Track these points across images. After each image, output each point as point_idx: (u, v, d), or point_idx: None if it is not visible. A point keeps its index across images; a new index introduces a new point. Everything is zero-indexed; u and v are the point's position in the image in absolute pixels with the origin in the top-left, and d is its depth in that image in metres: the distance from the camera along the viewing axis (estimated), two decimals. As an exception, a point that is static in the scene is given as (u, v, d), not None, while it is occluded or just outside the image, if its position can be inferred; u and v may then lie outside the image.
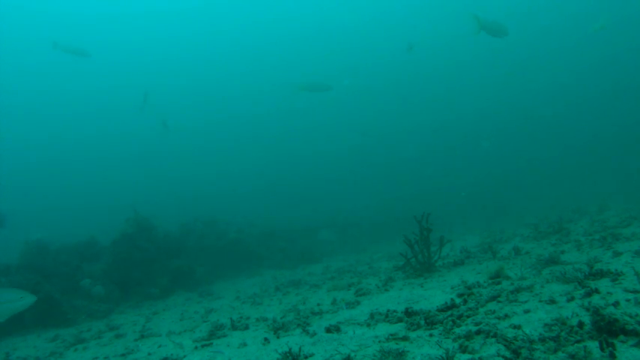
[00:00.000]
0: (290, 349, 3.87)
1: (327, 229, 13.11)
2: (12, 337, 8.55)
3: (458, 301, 4.61)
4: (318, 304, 6.28)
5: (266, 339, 4.76)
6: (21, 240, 11.54)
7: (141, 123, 42.30)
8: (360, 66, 40.92)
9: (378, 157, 38.57)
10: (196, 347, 5.11)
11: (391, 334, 3.99)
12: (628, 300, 3.53)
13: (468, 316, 4.05)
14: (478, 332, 3.50)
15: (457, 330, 3.73)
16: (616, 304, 3.46)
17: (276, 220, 20.73)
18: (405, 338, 3.81)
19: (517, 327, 3.46)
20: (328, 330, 4.52)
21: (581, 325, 3.14)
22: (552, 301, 3.97)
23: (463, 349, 3.25)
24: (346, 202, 27.20)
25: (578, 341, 2.95)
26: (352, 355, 3.63)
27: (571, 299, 3.92)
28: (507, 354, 2.96)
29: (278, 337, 4.81)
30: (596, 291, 3.91)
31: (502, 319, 3.79)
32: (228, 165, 42.54)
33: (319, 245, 14.69)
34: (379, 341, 3.88)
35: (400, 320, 4.44)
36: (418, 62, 41.10)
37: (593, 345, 2.81)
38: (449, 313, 4.24)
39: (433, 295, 5.39)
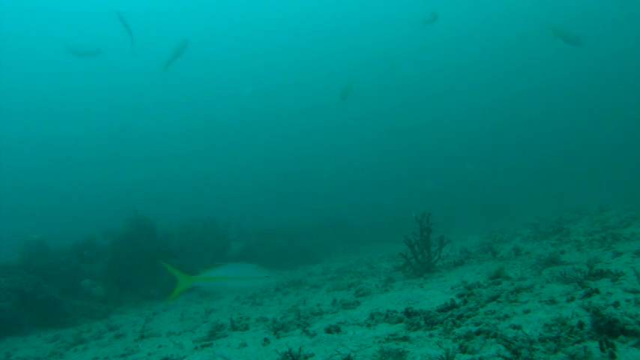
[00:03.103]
0: (290, 350, 3.87)
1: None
2: (12, 337, 8.55)
3: (458, 301, 4.61)
4: (318, 305, 6.28)
5: (266, 339, 4.76)
6: (21, 240, 11.54)
7: (139, 123, 42.36)
8: (360, 66, 40.93)
9: (378, 156, 38.61)
10: (196, 347, 5.10)
11: (391, 335, 3.99)
12: (628, 300, 3.52)
13: (468, 317, 4.05)
14: (478, 332, 3.50)
15: (457, 330, 3.73)
16: (616, 304, 3.46)
17: (277, 219, 20.74)
18: (405, 338, 3.81)
19: (517, 327, 3.46)
20: (328, 330, 4.52)
21: (581, 325, 3.14)
22: (552, 302, 3.97)
23: (463, 350, 3.25)
24: (347, 202, 27.21)
25: (578, 341, 2.95)
26: (352, 355, 3.63)
27: (571, 299, 3.91)
28: (507, 354, 2.96)
29: (278, 338, 4.81)
30: (596, 291, 3.91)
31: (502, 319, 3.79)
32: (228, 164, 42.58)
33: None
34: (379, 341, 3.88)
35: (400, 320, 4.44)
36: (419, 61, 41.18)
37: (593, 345, 2.81)
38: (449, 313, 4.24)
39: (433, 295, 5.39)
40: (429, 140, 39.06)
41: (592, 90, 36.73)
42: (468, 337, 3.46)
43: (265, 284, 4.39)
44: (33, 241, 11.38)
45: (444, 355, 3.14)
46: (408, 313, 4.49)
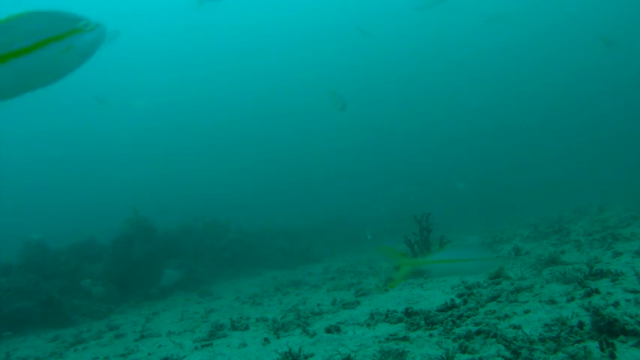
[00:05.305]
0: (290, 350, 3.87)
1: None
2: (12, 337, 8.54)
3: (458, 301, 4.61)
4: (318, 305, 6.28)
5: (266, 339, 4.76)
6: (21, 240, 11.53)
7: (139, 122, 42.36)
8: (359, 65, 40.96)
9: (377, 156, 38.60)
10: (196, 347, 5.10)
11: (391, 335, 3.99)
12: (628, 300, 3.53)
13: (468, 317, 4.05)
14: (478, 332, 3.51)
15: (457, 330, 3.73)
16: (616, 304, 3.46)
17: (277, 219, 20.74)
18: (405, 338, 3.81)
19: (517, 327, 3.47)
20: (328, 330, 4.52)
21: (581, 325, 3.14)
22: (552, 302, 3.97)
23: (463, 350, 3.25)
24: (347, 201, 27.21)
25: (578, 341, 2.95)
26: (352, 355, 3.63)
27: (571, 299, 3.91)
28: (507, 354, 2.96)
29: (278, 338, 4.81)
30: (596, 291, 3.91)
31: (502, 319, 3.79)
32: (229, 164, 42.55)
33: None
34: (379, 341, 3.88)
35: (400, 320, 4.44)
36: (419, 61, 41.16)
37: (593, 345, 2.81)
38: (449, 313, 4.24)
39: (433, 295, 5.39)
40: (430, 140, 39.07)
41: (592, 89, 36.74)
42: (468, 337, 3.46)
43: (491, 265, 4.20)
44: (33, 240, 11.37)
45: (444, 355, 3.14)
46: (408, 313, 4.50)
